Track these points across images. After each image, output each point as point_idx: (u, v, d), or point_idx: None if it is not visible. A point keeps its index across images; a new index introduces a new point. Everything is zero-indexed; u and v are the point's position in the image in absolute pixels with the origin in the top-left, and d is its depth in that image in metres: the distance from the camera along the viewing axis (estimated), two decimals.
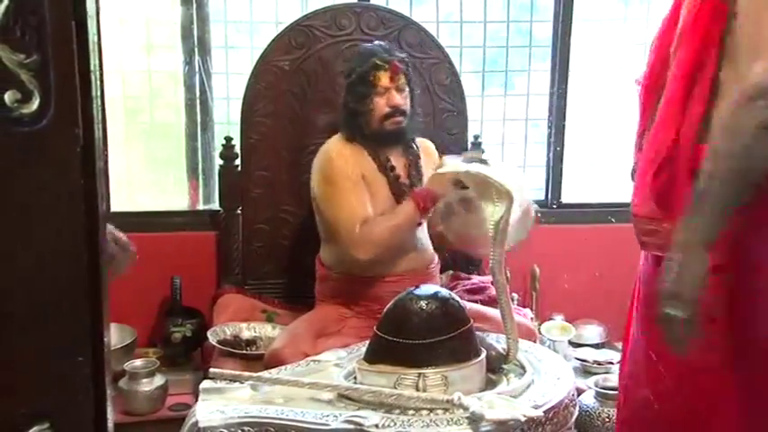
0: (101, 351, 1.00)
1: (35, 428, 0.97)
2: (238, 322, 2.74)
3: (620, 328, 3.15)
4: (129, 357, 2.86)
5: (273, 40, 2.95)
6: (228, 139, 3.00)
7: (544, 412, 1.89)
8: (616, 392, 2.65)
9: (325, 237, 2.66)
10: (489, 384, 2.04)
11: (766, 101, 1.39)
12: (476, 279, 2.96)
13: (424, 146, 2.74)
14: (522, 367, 2.12)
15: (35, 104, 0.92)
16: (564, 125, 3.40)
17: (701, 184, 1.46)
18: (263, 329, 2.73)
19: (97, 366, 1.00)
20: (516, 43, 3.45)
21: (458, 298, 2.09)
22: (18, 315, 0.96)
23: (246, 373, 2.06)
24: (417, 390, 1.92)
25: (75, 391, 0.99)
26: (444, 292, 2.10)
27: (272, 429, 1.85)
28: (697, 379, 1.67)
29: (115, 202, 3.12)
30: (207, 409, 1.89)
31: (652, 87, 1.73)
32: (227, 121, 3.30)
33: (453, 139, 3.04)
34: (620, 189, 3.46)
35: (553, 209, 3.44)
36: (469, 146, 3.09)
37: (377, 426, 1.81)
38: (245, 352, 2.59)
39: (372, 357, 2.01)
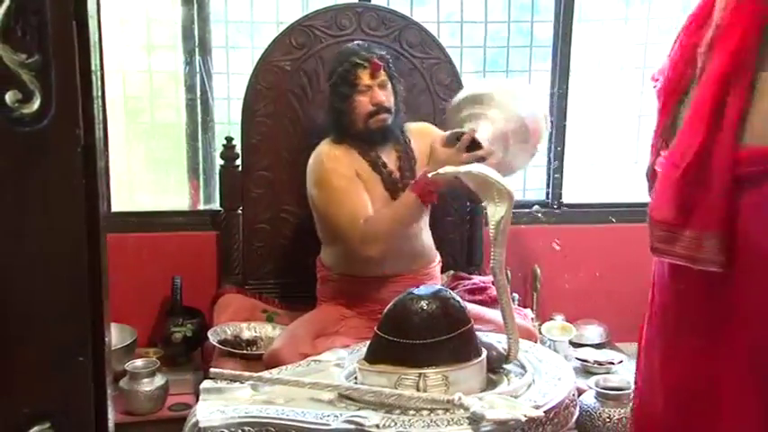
0: (101, 351, 1.01)
1: (36, 428, 0.97)
2: (239, 322, 2.73)
3: (621, 328, 3.20)
4: (130, 357, 2.86)
5: (274, 41, 2.94)
6: (229, 139, 3.00)
7: (545, 412, 1.89)
8: (617, 393, 2.67)
9: (328, 239, 2.65)
10: (490, 384, 2.04)
11: None
12: (476, 279, 2.96)
13: (417, 129, 2.71)
14: (523, 367, 2.12)
15: (36, 104, 0.92)
16: (565, 125, 3.39)
17: None
18: (264, 329, 2.73)
19: (98, 366, 1.00)
20: (517, 43, 3.44)
21: (458, 298, 2.08)
22: (19, 315, 0.96)
23: (247, 373, 2.06)
24: (418, 390, 1.91)
25: (76, 391, 0.99)
26: (445, 291, 2.10)
27: (272, 429, 1.85)
28: (713, 384, 1.65)
29: (116, 202, 3.14)
30: (207, 409, 1.89)
31: (674, 87, 1.68)
32: (228, 121, 3.30)
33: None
34: (621, 189, 3.50)
35: (554, 209, 3.44)
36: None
37: (377, 426, 1.81)
38: (245, 352, 2.59)
39: (373, 357, 2.01)
